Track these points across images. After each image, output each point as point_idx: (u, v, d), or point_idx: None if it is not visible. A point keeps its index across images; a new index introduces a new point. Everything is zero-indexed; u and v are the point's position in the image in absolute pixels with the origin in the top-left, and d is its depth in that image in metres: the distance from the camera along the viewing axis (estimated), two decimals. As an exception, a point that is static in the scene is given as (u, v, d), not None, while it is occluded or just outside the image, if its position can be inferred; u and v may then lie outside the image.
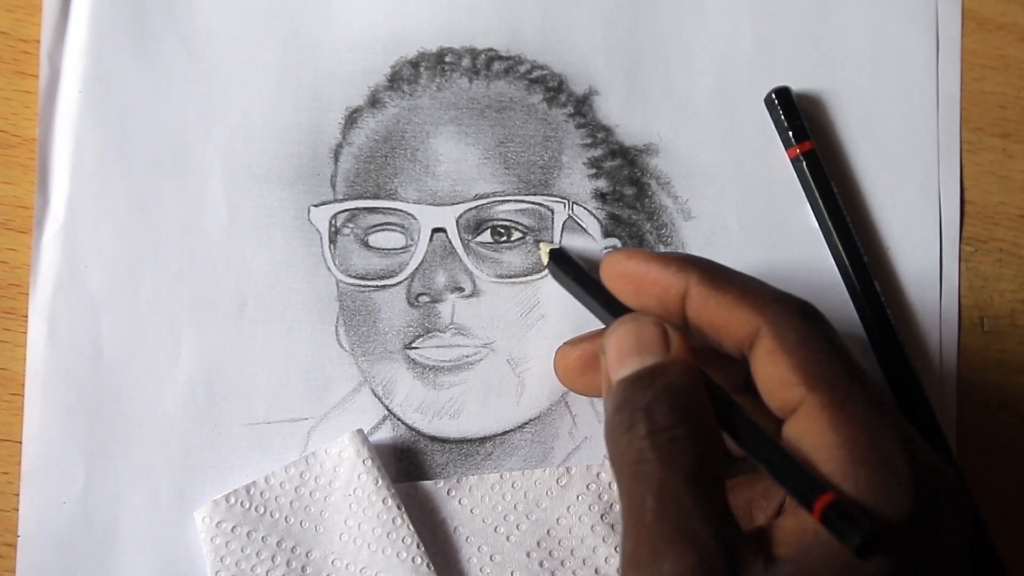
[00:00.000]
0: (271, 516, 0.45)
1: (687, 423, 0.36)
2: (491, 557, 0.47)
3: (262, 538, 0.45)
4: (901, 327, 0.51)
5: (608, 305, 0.43)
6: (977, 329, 0.54)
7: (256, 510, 0.45)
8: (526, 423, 0.49)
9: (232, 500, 0.45)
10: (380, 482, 0.46)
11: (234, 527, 0.45)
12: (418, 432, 0.49)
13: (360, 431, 0.47)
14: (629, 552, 0.35)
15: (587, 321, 0.50)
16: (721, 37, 0.53)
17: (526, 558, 0.46)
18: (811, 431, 0.36)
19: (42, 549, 0.45)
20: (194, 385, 0.48)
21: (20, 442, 0.46)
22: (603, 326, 0.44)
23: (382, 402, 0.49)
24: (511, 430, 0.49)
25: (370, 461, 0.46)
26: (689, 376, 0.37)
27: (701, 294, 0.39)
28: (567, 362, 0.46)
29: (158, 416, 0.47)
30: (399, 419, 0.49)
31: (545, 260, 0.48)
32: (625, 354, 0.38)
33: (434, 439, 0.49)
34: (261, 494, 0.46)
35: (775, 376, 0.37)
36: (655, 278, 0.40)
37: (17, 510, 0.46)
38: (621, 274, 0.42)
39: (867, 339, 0.51)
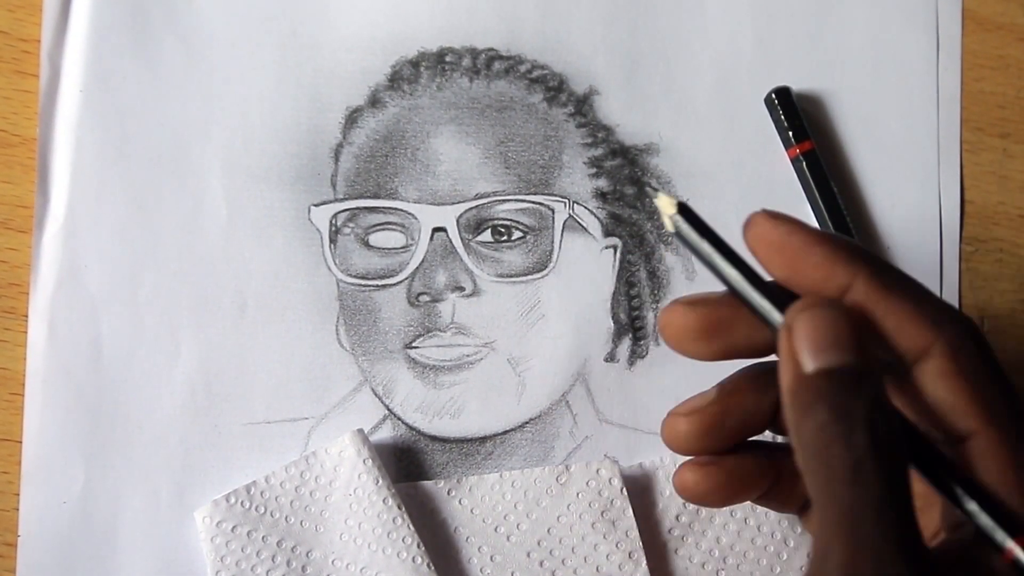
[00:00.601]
0: (271, 516, 0.45)
1: (900, 438, 0.33)
2: (491, 557, 0.47)
3: (262, 538, 0.45)
4: (901, 327, 0.51)
5: (749, 276, 0.36)
6: (977, 329, 0.54)
7: (256, 510, 0.45)
8: (526, 422, 0.49)
9: (232, 500, 0.45)
10: (380, 482, 0.46)
11: (234, 527, 0.45)
12: (418, 432, 0.49)
13: (361, 431, 0.47)
14: (843, 562, 0.31)
15: (590, 320, 0.50)
16: (721, 37, 0.53)
17: (527, 558, 0.46)
18: (986, 467, 0.34)
19: (42, 549, 0.45)
20: (194, 385, 0.48)
21: (20, 442, 0.46)
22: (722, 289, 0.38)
23: (382, 402, 0.49)
24: (511, 430, 0.49)
25: (370, 461, 0.46)
26: (884, 395, 0.34)
27: (871, 293, 0.35)
28: (687, 321, 0.39)
29: (158, 416, 0.47)
30: (399, 419, 0.49)
31: (670, 212, 0.37)
32: (827, 344, 0.33)
33: (434, 439, 0.49)
34: (261, 494, 0.46)
35: (946, 401, 0.34)
36: (818, 261, 0.35)
37: (17, 510, 0.46)
38: (774, 244, 0.36)
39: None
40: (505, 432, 0.49)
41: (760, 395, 0.40)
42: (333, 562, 0.45)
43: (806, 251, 0.36)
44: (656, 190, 0.46)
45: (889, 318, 0.35)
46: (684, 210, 0.38)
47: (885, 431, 0.32)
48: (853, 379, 0.33)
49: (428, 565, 0.45)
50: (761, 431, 0.40)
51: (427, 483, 0.47)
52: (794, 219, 0.37)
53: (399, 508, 0.45)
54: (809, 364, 0.33)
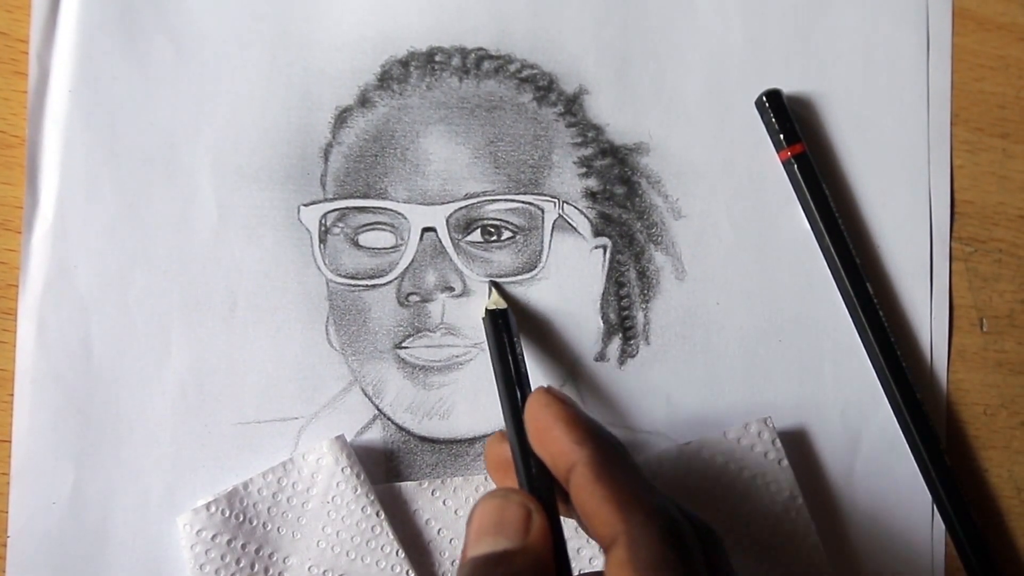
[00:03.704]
0: (250, 523, 0.45)
1: None
2: (475, 559, 0.46)
3: (241, 546, 0.45)
4: (892, 327, 0.51)
5: (518, 431, 0.42)
6: (976, 329, 0.53)
7: (236, 517, 0.45)
8: (516, 423, 0.49)
9: (213, 509, 0.45)
10: (359, 490, 0.46)
11: (214, 535, 0.45)
12: (408, 432, 0.49)
13: (340, 437, 0.47)
14: None
15: (580, 320, 0.50)
16: (711, 36, 0.53)
17: (512, 560, 0.46)
18: None
19: (32, 549, 0.45)
20: (184, 385, 0.48)
21: (9, 442, 0.46)
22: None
23: (372, 402, 0.49)
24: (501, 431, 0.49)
25: (349, 469, 0.46)
26: (535, 570, 0.36)
27: (583, 476, 0.37)
28: (495, 456, 0.43)
29: (148, 416, 0.47)
30: (389, 419, 0.49)
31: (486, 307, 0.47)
32: (483, 531, 0.37)
33: (424, 439, 0.49)
34: (240, 501, 0.46)
35: None
36: (555, 437, 0.39)
37: (6, 511, 0.46)
38: (530, 417, 0.40)
39: (858, 339, 0.51)
40: (494, 433, 0.49)
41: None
42: (310, 569, 0.45)
43: (548, 428, 0.39)
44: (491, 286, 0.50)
45: (591, 503, 0.36)
46: (494, 315, 0.46)
47: None
48: (489, 564, 0.36)
49: (407, 573, 0.45)
50: None
51: (411, 484, 0.47)
52: (560, 398, 0.40)
53: (378, 516, 0.45)
54: (468, 552, 0.37)
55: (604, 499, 0.36)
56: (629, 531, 0.35)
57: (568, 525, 0.40)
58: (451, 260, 0.49)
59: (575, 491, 0.37)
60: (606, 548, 0.35)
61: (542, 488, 0.39)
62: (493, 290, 0.49)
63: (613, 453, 0.38)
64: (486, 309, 0.47)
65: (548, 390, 0.41)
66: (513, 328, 0.46)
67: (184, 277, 0.48)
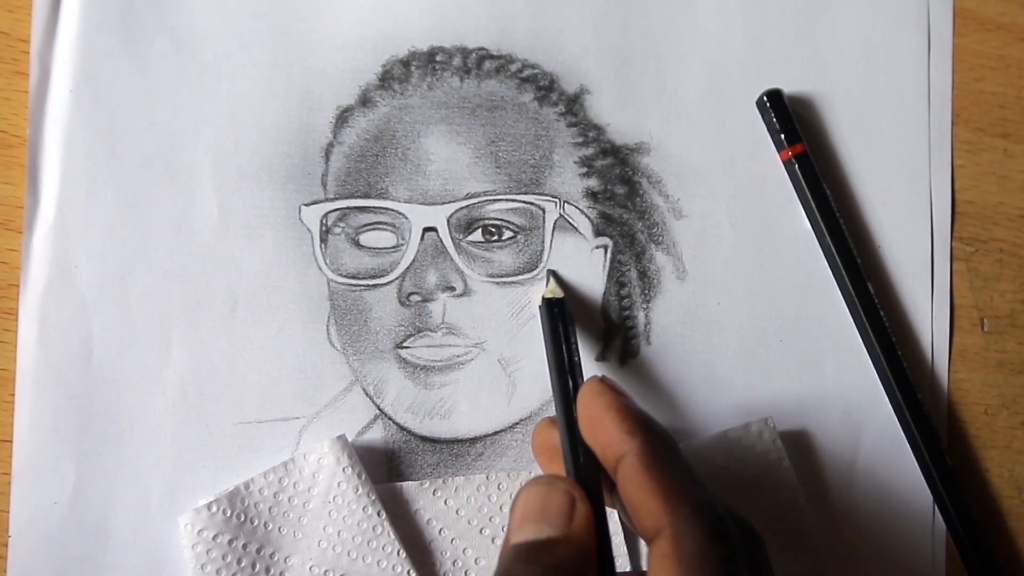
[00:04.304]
0: (251, 523, 0.45)
1: None
2: (476, 560, 0.46)
3: (243, 546, 0.45)
4: (893, 327, 0.51)
5: (568, 419, 0.41)
6: (977, 329, 0.53)
7: (237, 517, 0.45)
8: (517, 423, 0.49)
9: (214, 508, 0.45)
10: (360, 489, 0.46)
11: (215, 535, 0.45)
12: (409, 432, 0.49)
13: (342, 437, 0.47)
14: None
15: (581, 320, 0.50)
16: (712, 36, 0.53)
17: (513, 560, 0.46)
18: None
19: (33, 549, 0.45)
20: (185, 384, 0.48)
21: (10, 442, 0.46)
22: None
23: (373, 401, 0.49)
24: (502, 430, 0.49)
25: (350, 468, 0.46)
26: (578, 560, 0.36)
27: (631, 467, 0.37)
28: (543, 441, 0.44)
29: (149, 416, 0.47)
30: (390, 419, 0.49)
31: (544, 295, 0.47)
32: (527, 518, 0.37)
33: (425, 439, 0.49)
34: (242, 501, 0.46)
35: None
36: (606, 427, 0.39)
37: (7, 511, 0.46)
38: (588, 407, 0.40)
39: (859, 339, 0.51)
40: (495, 433, 0.49)
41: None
42: (312, 569, 0.45)
43: (601, 416, 0.39)
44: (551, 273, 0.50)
45: (637, 494, 0.36)
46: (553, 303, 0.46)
47: None
48: (532, 552, 0.36)
49: (408, 573, 0.45)
50: None
51: (412, 483, 0.47)
52: (614, 388, 0.40)
53: (379, 516, 0.45)
54: (511, 538, 0.37)
55: (652, 491, 0.36)
56: (675, 523, 0.35)
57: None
58: (452, 260, 0.49)
59: (623, 482, 0.37)
60: (650, 540, 0.35)
61: (589, 477, 0.39)
62: (551, 278, 0.49)
63: (663, 446, 0.38)
64: (543, 297, 0.46)
65: (603, 380, 0.41)
66: (569, 316, 0.45)
67: (185, 277, 0.48)
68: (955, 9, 0.55)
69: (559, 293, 0.47)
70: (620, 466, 0.37)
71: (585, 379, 0.42)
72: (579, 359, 0.44)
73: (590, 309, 0.50)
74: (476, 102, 0.51)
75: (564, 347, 0.44)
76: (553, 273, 0.49)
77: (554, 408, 0.44)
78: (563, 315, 0.45)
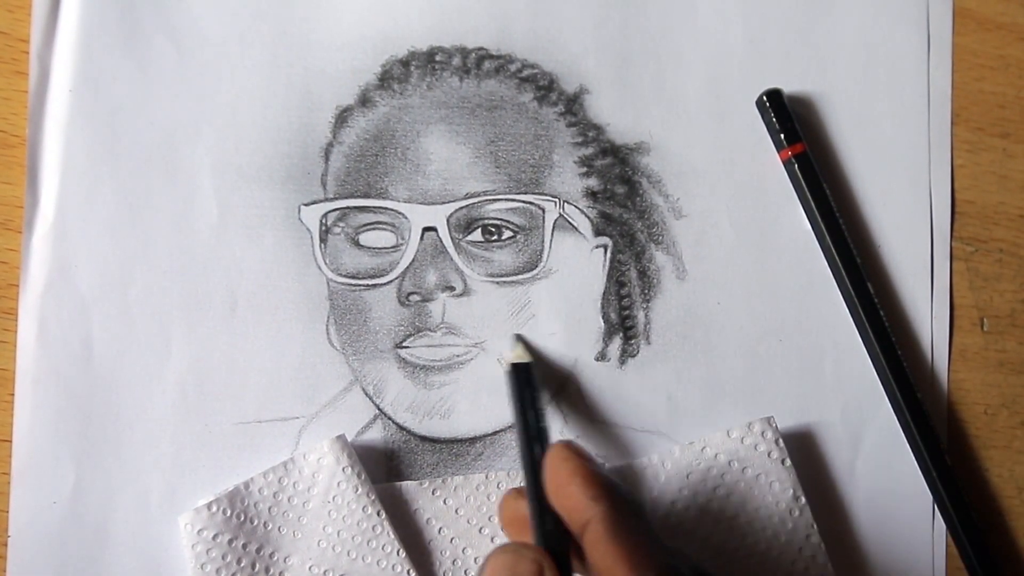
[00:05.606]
0: (251, 523, 0.45)
1: None
2: (475, 560, 0.46)
3: (242, 545, 0.45)
4: (893, 327, 0.51)
5: (535, 485, 0.41)
6: (977, 329, 0.53)
7: (237, 517, 0.45)
8: (516, 423, 0.49)
9: (214, 508, 0.45)
10: (360, 489, 0.46)
11: (215, 535, 0.45)
12: (409, 432, 0.49)
13: (341, 437, 0.47)
14: None
15: (581, 320, 0.50)
16: (712, 36, 0.53)
17: (511, 559, 0.46)
18: None
19: (32, 549, 0.45)
20: (185, 384, 0.48)
21: (10, 441, 0.46)
22: None
23: (373, 401, 0.49)
24: (501, 430, 0.49)
25: (350, 468, 0.46)
26: None
27: (597, 532, 0.37)
28: (511, 513, 0.43)
29: (149, 415, 0.47)
30: (390, 418, 0.49)
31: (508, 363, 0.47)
32: None
33: (425, 439, 0.49)
34: (242, 501, 0.46)
35: None
36: (571, 493, 0.38)
37: (7, 511, 0.46)
38: (554, 472, 0.40)
39: (859, 339, 0.51)
40: (495, 433, 0.49)
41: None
42: (311, 568, 0.45)
43: (566, 484, 0.39)
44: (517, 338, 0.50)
45: (604, 560, 0.36)
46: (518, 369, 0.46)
47: None
48: None
49: (408, 572, 0.45)
50: None
51: (412, 483, 0.47)
52: (579, 452, 0.40)
53: (379, 515, 0.45)
54: None
55: (617, 556, 0.36)
56: None
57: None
58: (452, 260, 0.49)
59: (589, 547, 0.37)
60: None
61: (557, 544, 0.39)
62: (518, 343, 0.49)
63: (628, 511, 0.38)
64: (509, 363, 0.46)
65: (568, 445, 0.41)
66: (535, 382, 0.45)
67: (184, 277, 0.48)
68: (955, 9, 0.55)
69: (526, 358, 0.47)
70: (586, 532, 0.37)
71: (552, 443, 0.41)
72: (546, 425, 0.44)
73: (590, 309, 0.50)
74: (476, 102, 0.51)
75: (532, 413, 0.44)
76: (519, 337, 0.49)
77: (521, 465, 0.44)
78: (529, 380, 0.45)
